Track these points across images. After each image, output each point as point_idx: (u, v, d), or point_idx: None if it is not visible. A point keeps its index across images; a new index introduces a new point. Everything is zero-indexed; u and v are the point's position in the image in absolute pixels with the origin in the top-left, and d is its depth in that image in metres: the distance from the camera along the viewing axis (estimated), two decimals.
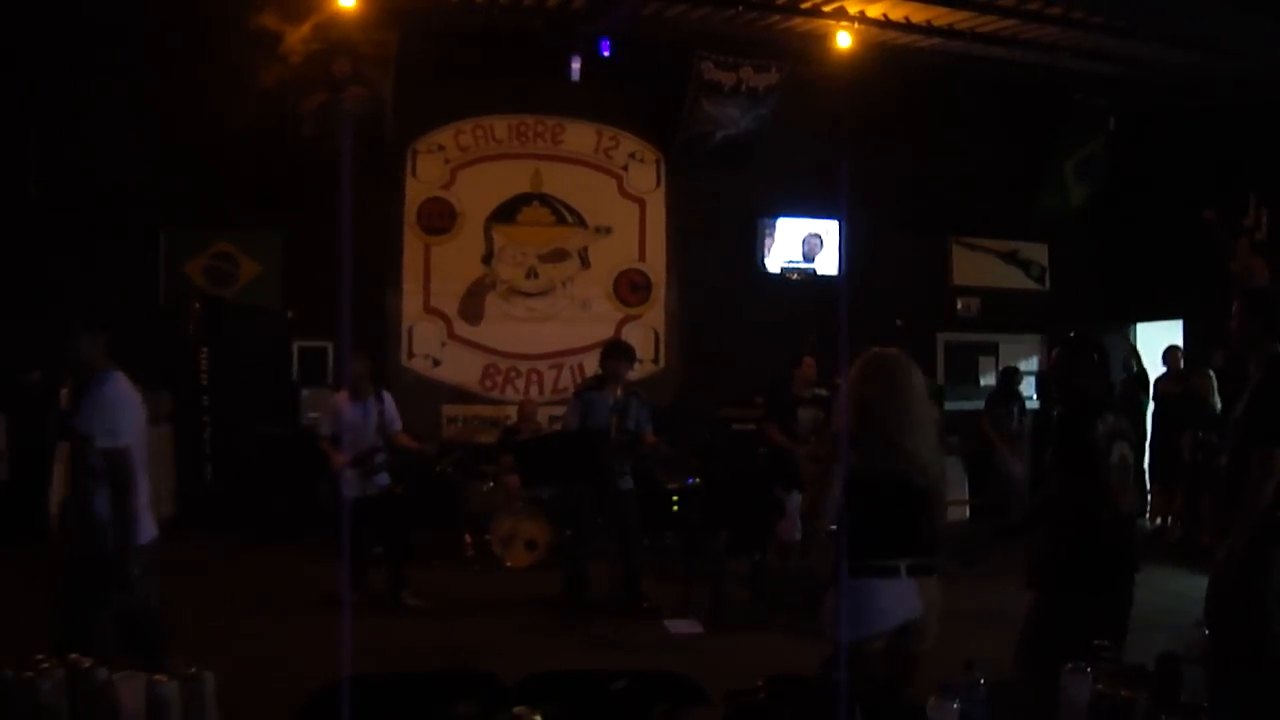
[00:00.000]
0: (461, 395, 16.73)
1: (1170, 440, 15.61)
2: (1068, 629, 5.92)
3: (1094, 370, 6.69)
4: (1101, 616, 6.18)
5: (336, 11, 14.04)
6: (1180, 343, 17.00)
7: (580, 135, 17.45)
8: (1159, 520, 16.36)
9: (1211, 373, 15.18)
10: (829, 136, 16.67)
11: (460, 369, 16.83)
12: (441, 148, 16.93)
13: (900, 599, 5.80)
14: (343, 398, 11.60)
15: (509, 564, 13.27)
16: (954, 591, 6.21)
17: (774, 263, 17.84)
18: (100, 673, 4.25)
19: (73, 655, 4.27)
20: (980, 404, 17.07)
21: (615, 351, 11.79)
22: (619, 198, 17.60)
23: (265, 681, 7.57)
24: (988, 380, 18.33)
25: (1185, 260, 16.81)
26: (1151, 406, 16.55)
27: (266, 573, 12.66)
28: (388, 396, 11.79)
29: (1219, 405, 14.90)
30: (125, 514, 6.97)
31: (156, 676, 4.20)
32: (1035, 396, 17.74)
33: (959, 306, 18.81)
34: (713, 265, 17.51)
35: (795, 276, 17.83)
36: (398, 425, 11.76)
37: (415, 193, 16.81)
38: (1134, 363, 17.19)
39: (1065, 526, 6.38)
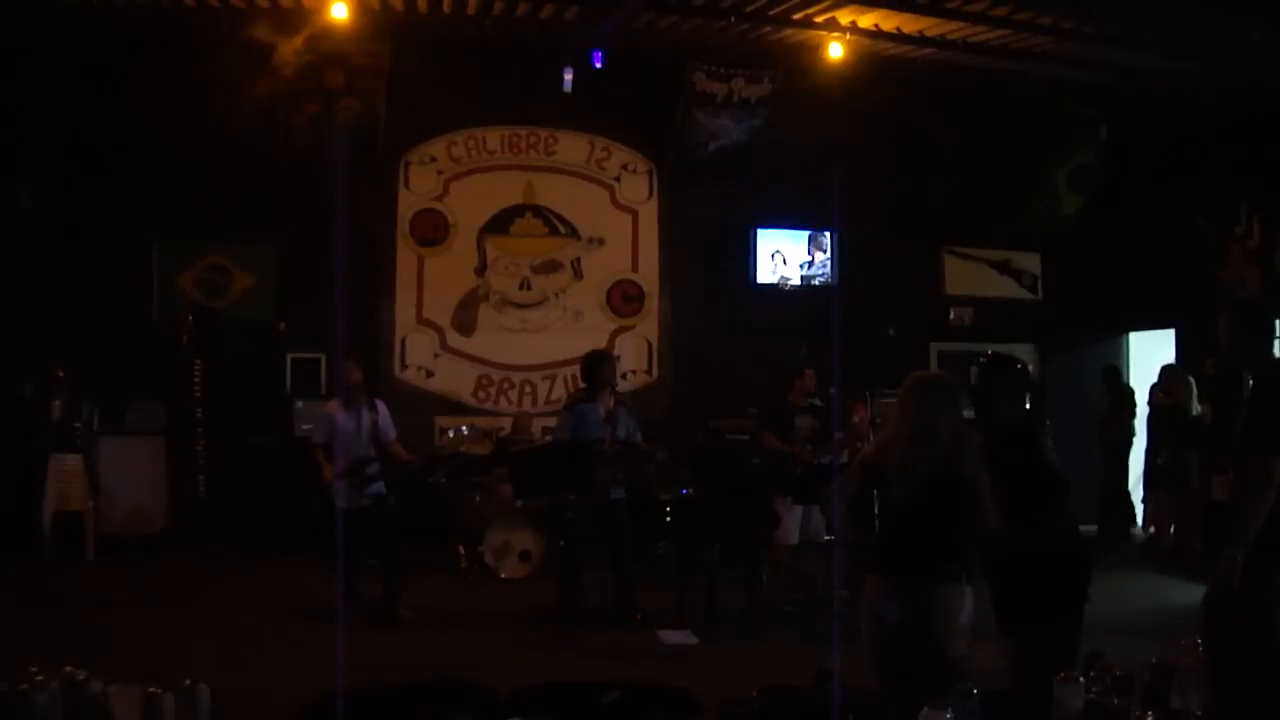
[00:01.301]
0: (454, 406, 16.70)
1: (1162, 452, 15.63)
2: (1052, 659, 5.89)
3: (1013, 390, 6.60)
4: (1068, 640, 6.12)
5: (329, 23, 14.01)
6: (1172, 351, 17.01)
7: (573, 146, 17.44)
8: (1152, 529, 16.39)
9: (1191, 379, 15.22)
10: (822, 147, 16.67)
11: (453, 380, 16.81)
12: (434, 159, 16.92)
13: (890, 599, 5.85)
14: (334, 406, 11.61)
15: (503, 575, 13.28)
16: None
17: (767, 273, 17.82)
18: (95, 685, 4.26)
19: (68, 667, 4.27)
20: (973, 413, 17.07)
21: (601, 361, 11.80)
22: (612, 208, 17.59)
23: (260, 694, 7.55)
24: None
25: (1178, 269, 16.84)
26: (1145, 413, 16.57)
27: (260, 585, 12.66)
28: (381, 405, 11.81)
29: (1197, 410, 14.96)
30: None
31: (151, 690, 4.20)
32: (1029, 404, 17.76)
33: (952, 316, 18.79)
34: (706, 275, 17.53)
35: (788, 287, 17.82)
36: (393, 434, 11.79)
37: (408, 204, 16.80)
38: (1111, 379, 17.18)
39: (1026, 559, 6.26)
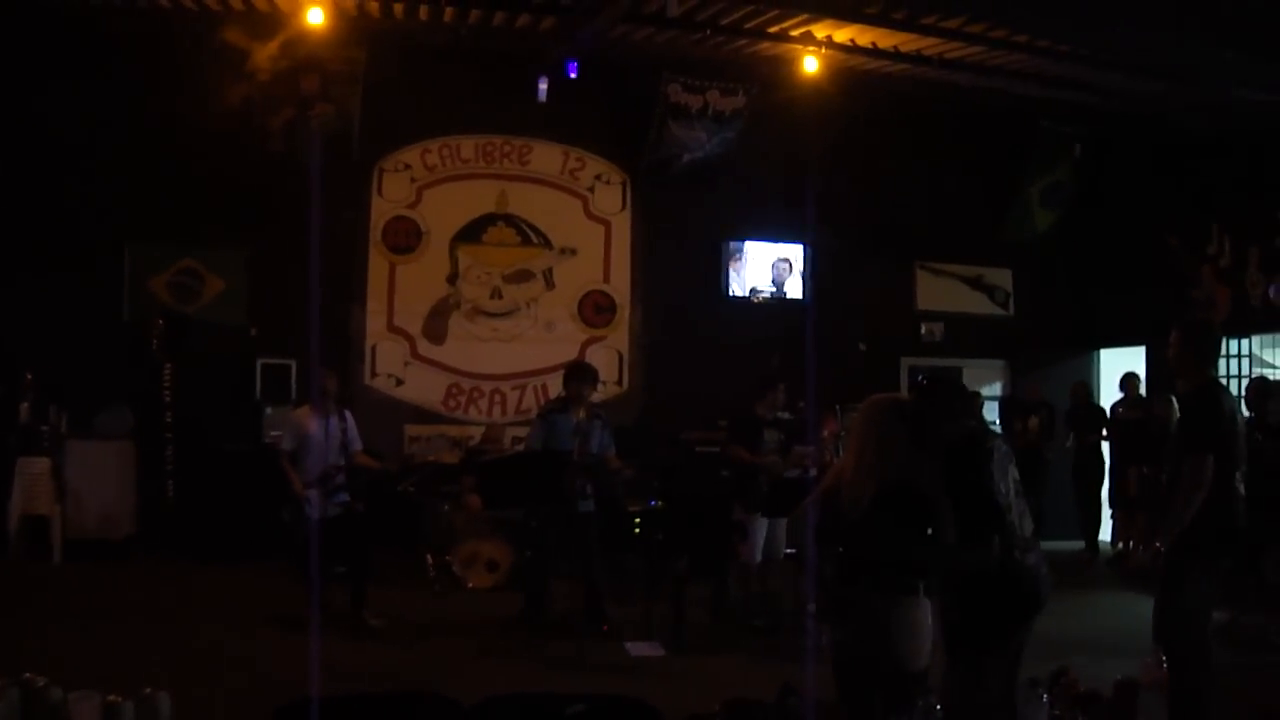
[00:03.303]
0: (424, 415, 16.67)
1: (1128, 467, 15.70)
2: (982, 683, 5.91)
3: (950, 412, 6.61)
4: (1002, 667, 6.13)
5: (305, 28, 14.00)
6: (1143, 368, 17.07)
7: (547, 156, 17.43)
8: (1120, 545, 16.43)
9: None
10: (795, 161, 16.69)
11: (423, 389, 16.77)
12: (408, 166, 16.89)
13: (849, 615, 5.88)
14: (304, 413, 11.57)
15: (470, 585, 13.25)
16: None
17: (739, 286, 17.84)
18: (55, 692, 4.24)
19: (27, 675, 4.25)
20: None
21: (578, 373, 11.80)
22: (585, 219, 17.58)
23: (223, 703, 7.53)
24: None
25: (1149, 287, 16.91)
26: (1108, 432, 16.66)
27: (226, 591, 12.59)
28: (349, 416, 11.76)
29: None
30: None
31: (111, 697, 4.18)
32: (998, 421, 17.81)
33: (923, 331, 18.82)
34: (678, 288, 17.52)
35: (760, 300, 17.83)
36: (358, 445, 11.74)
37: (381, 211, 16.77)
38: (1082, 394, 17.30)
39: (963, 580, 6.26)
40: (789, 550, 11.82)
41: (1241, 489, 7.13)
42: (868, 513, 5.83)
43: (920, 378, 6.92)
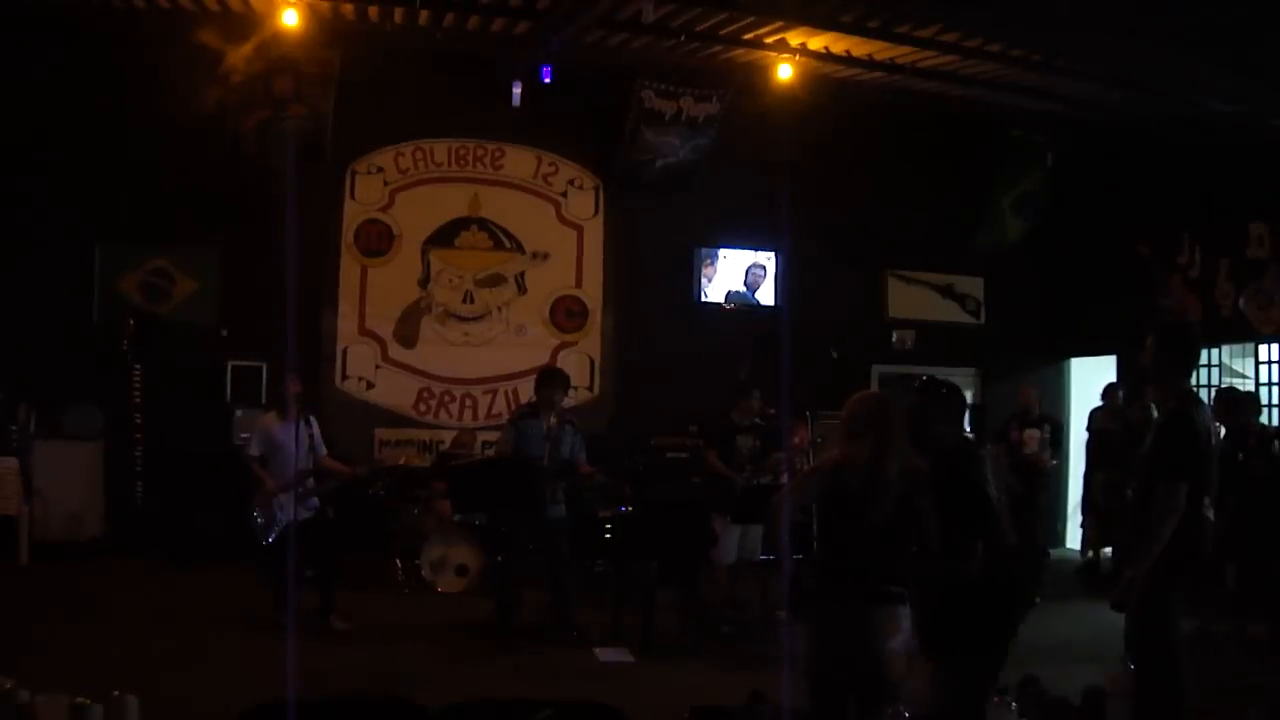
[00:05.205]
0: (395, 419, 16.62)
1: (1099, 475, 15.72)
2: (969, 689, 5.89)
3: (949, 414, 6.60)
4: (989, 672, 6.11)
5: (279, 30, 13.95)
6: (1114, 378, 17.09)
7: (520, 160, 17.40)
8: (1090, 553, 16.44)
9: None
10: (769, 167, 16.68)
11: (394, 392, 16.71)
12: (381, 169, 16.84)
13: (835, 624, 5.84)
14: (271, 419, 11.56)
15: (439, 589, 13.21)
16: None
17: (711, 292, 17.84)
18: (21, 694, 4.21)
19: None
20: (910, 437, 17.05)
21: (550, 379, 11.81)
22: (557, 224, 17.55)
23: (190, 705, 7.50)
24: None
25: (1120, 296, 16.95)
26: (1085, 439, 16.66)
27: (195, 594, 12.53)
28: (314, 421, 11.73)
29: None
30: None
31: (79, 699, 4.16)
32: (969, 429, 17.84)
33: (894, 339, 18.83)
34: (650, 293, 17.49)
35: (731, 306, 17.83)
36: (323, 450, 11.72)
37: (353, 214, 16.71)
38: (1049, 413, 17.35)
39: (956, 586, 6.24)
40: (764, 556, 11.83)
41: (1210, 513, 7.11)
42: (883, 518, 5.78)
43: (920, 379, 6.80)
